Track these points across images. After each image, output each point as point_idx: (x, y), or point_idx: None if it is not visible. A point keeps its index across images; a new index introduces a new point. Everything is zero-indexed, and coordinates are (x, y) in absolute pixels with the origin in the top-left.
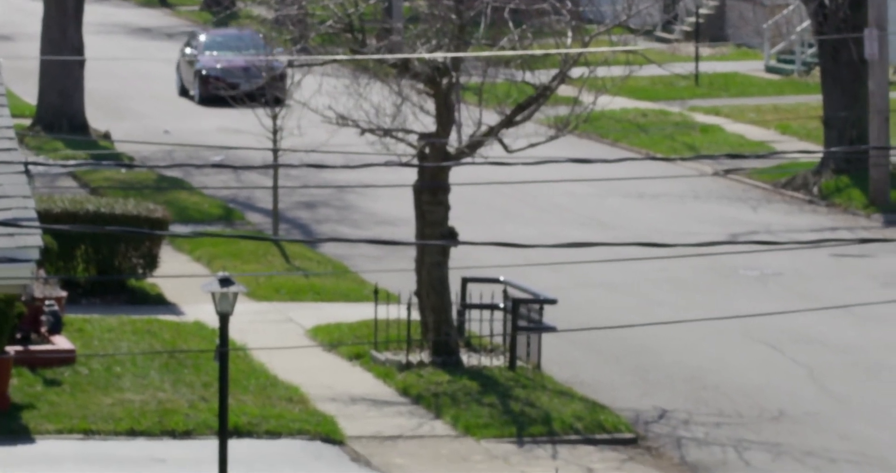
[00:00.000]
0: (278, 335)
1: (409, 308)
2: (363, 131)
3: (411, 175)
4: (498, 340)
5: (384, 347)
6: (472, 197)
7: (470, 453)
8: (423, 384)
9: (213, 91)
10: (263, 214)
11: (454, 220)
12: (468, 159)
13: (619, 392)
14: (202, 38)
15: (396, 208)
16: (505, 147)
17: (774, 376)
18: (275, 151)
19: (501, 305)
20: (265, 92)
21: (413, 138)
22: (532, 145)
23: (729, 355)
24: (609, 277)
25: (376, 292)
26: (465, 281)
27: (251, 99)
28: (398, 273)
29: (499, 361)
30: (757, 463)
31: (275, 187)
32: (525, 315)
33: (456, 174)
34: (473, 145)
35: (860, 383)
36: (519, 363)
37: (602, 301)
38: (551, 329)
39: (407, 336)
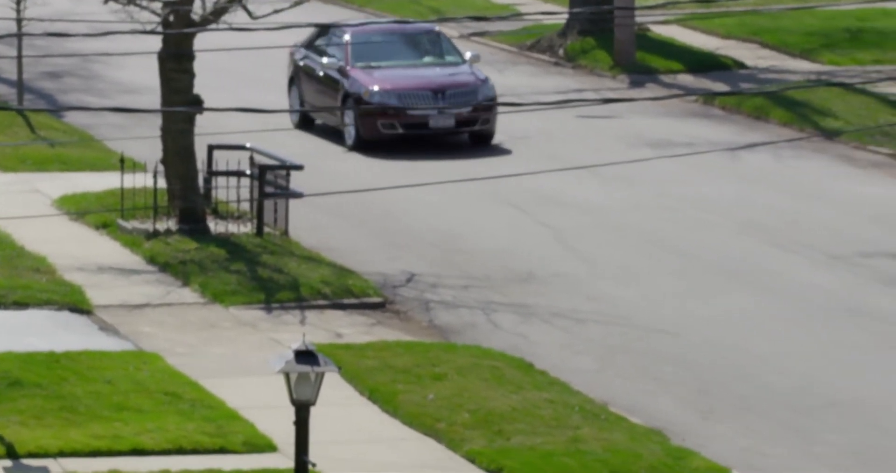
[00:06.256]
0: (24, 206)
1: (155, 176)
2: (107, 0)
3: (156, 43)
4: (245, 206)
5: (131, 215)
6: (217, 64)
7: (218, 320)
8: (171, 251)
9: (386, 130)
10: (8, 85)
11: (200, 87)
12: (212, 26)
13: (366, 257)
14: (346, 36)
15: (142, 76)
16: (249, 13)
17: (522, 238)
18: (18, 20)
19: (248, 171)
20: (469, 129)
21: (157, 6)
22: (277, 11)
23: (477, 218)
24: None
25: (122, 160)
26: (211, 148)
27: (443, 139)
28: (144, 141)
29: (246, 228)
30: (506, 325)
31: (19, 57)
32: (272, 182)
33: (201, 41)
34: (218, 12)
35: (606, 243)
36: (266, 229)
37: (348, 166)
38: (298, 195)
39: (153, 204)
